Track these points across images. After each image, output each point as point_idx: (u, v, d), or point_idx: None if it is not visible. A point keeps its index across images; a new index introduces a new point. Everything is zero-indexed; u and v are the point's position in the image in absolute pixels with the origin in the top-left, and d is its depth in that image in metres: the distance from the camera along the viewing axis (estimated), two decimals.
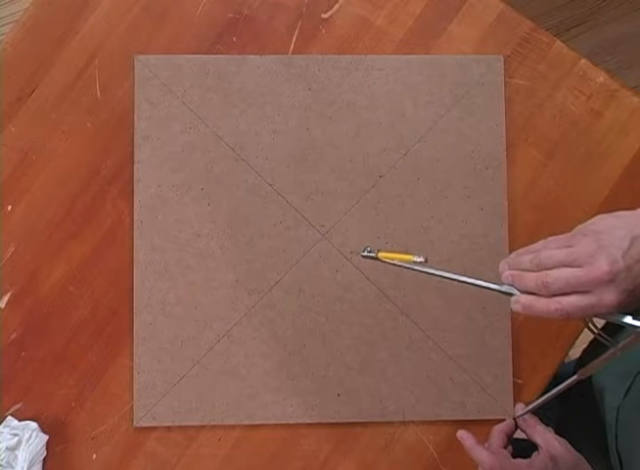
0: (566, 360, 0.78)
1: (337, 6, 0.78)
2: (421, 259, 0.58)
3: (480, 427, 0.74)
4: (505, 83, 0.77)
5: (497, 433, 0.70)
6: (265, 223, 0.75)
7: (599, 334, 0.55)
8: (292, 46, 0.78)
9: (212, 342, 0.74)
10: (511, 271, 0.57)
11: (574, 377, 0.62)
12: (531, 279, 0.55)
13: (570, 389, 0.74)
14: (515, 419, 0.72)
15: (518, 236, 0.76)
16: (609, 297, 0.52)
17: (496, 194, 0.76)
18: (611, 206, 0.77)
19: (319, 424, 0.74)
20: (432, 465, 0.74)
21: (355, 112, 0.77)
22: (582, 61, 0.78)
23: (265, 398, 0.74)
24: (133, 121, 0.76)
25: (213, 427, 0.74)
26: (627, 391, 0.67)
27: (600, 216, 0.56)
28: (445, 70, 0.77)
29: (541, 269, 0.55)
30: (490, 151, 0.77)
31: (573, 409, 0.80)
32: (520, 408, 0.71)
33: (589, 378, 0.74)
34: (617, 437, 0.68)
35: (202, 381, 0.74)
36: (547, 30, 0.79)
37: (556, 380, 0.75)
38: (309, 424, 0.74)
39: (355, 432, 0.74)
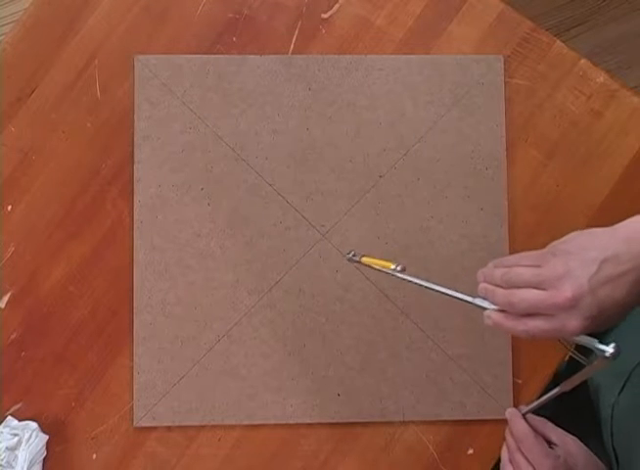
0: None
1: (337, 6, 0.78)
2: (399, 268, 0.59)
3: (480, 427, 0.74)
4: (505, 83, 0.77)
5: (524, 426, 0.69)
6: (265, 223, 0.75)
7: (572, 352, 0.55)
8: (292, 46, 0.78)
9: (212, 342, 0.74)
10: (485, 284, 0.57)
11: (557, 389, 0.62)
12: (500, 296, 0.55)
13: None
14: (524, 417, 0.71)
15: (518, 236, 0.76)
16: (572, 322, 0.52)
17: (496, 194, 0.76)
18: (611, 206, 0.77)
19: (319, 424, 0.74)
20: (432, 465, 0.74)
21: (355, 112, 0.77)
22: (582, 61, 0.78)
23: (265, 398, 0.74)
24: (133, 121, 0.76)
25: (213, 427, 0.74)
26: (622, 388, 0.67)
27: (573, 234, 0.56)
28: (445, 70, 0.77)
29: (510, 287, 0.55)
30: (490, 151, 0.77)
31: (569, 406, 0.80)
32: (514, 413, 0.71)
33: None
34: (612, 434, 0.68)
35: (202, 381, 0.74)
36: (547, 30, 0.79)
37: (556, 380, 0.76)
38: (309, 424, 0.74)
39: (355, 432, 0.74)
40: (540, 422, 0.68)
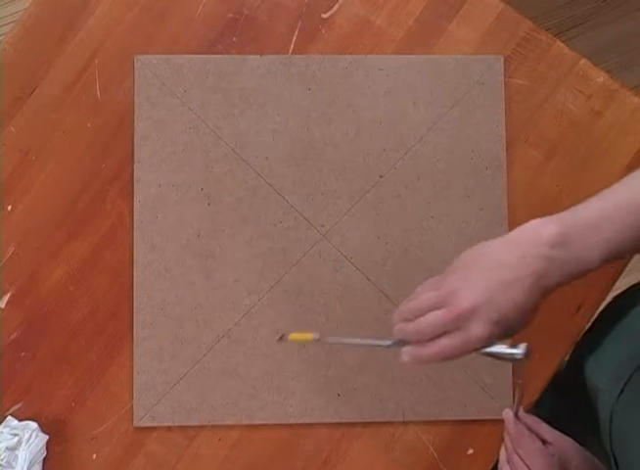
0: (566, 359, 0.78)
1: (337, 6, 0.78)
2: (317, 337, 0.64)
3: (480, 427, 0.74)
4: (505, 83, 0.77)
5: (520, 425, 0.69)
6: (265, 223, 0.75)
7: (484, 353, 0.56)
8: (292, 46, 0.78)
9: (212, 342, 0.74)
10: (399, 325, 0.58)
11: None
12: (410, 329, 0.56)
13: (563, 386, 0.75)
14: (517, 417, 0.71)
15: None
16: (476, 329, 0.52)
17: (496, 194, 0.76)
18: None
19: (319, 424, 0.74)
20: (432, 465, 0.74)
21: (355, 112, 0.77)
22: (582, 61, 0.78)
23: (265, 398, 0.74)
24: (133, 121, 0.76)
25: (213, 427, 0.74)
26: (621, 392, 0.66)
27: (468, 250, 0.57)
28: (445, 70, 0.77)
29: (418, 317, 0.56)
30: (490, 151, 0.77)
31: (567, 407, 0.80)
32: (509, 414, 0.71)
33: (582, 376, 0.74)
34: (611, 437, 0.68)
35: (202, 381, 0.74)
36: (547, 30, 0.79)
37: (556, 380, 0.76)
38: (309, 424, 0.74)
39: (355, 432, 0.74)
40: (534, 422, 0.68)
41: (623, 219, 0.51)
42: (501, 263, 0.53)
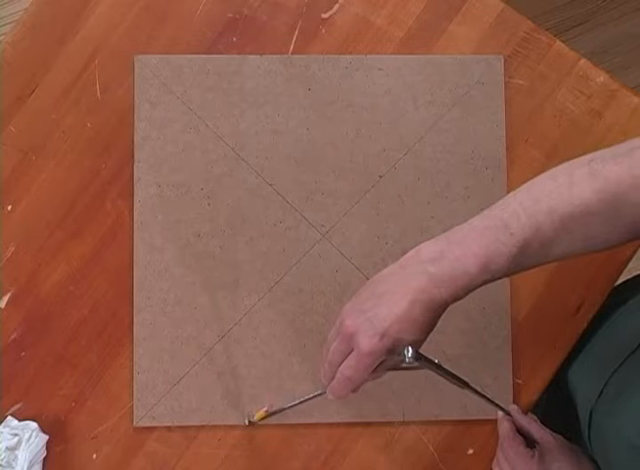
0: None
1: (337, 6, 0.78)
2: (266, 409, 0.70)
3: (480, 427, 0.74)
4: (505, 83, 0.77)
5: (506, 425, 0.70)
6: (265, 223, 0.75)
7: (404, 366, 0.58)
8: (292, 46, 0.78)
9: (212, 342, 0.74)
10: (321, 370, 0.61)
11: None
12: (326, 368, 0.59)
13: (550, 389, 0.75)
14: (512, 416, 0.72)
15: None
16: (362, 345, 0.55)
17: (496, 194, 0.76)
18: None
19: (319, 424, 0.74)
20: (432, 465, 0.74)
21: (355, 112, 0.77)
22: (582, 61, 0.78)
23: (265, 398, 0.74)
24: (133, 121, 0.76)
25: (213, 427, 0.74)
26: (600, 393, 0.66)
27: (367, 281, 0.60)
28: (445, 70, 0.77)
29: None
30: (490, 151, 0.77)
31: (553, 407, 0.80)
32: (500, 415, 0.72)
33: (565, 378, 0.74)
34: (590, 441, 0.68)
35: (202, 381, 0.74)
36: (547, 30, 0.79)
37: (556, 380, 0.75)
38: (309, 424, 0.74)
39: (355, 432, 0.74)
40: (527, 421, 0.68)
41: (497, 236, 0.53)
42: (388, 285, 0.56)
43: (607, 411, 0.65)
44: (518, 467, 0.66)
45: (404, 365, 0.55)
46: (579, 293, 0.76)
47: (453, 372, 0.60)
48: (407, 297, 0.54)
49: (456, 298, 0.55)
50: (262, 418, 0.70)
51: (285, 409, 0.70)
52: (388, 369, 0.58)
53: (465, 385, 0.61)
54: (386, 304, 0.55)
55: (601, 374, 0.67)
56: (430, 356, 0.56)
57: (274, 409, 0.70)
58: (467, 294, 0.55)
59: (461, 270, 0.54)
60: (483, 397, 0.64)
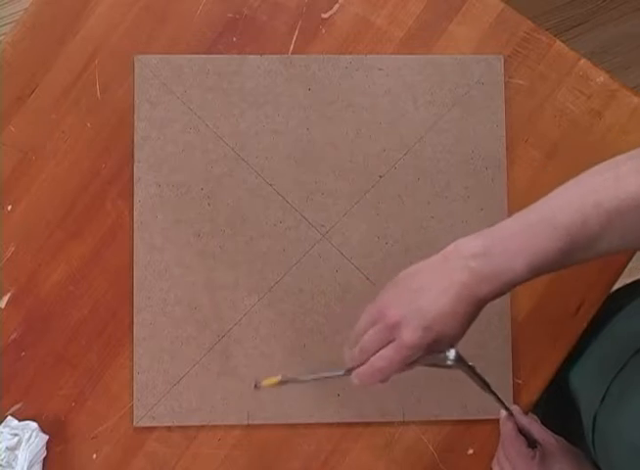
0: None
1: (337, 6, 0.78)
2: (279, 378, 0.66)
3: (480, 427, 0.74)
4: (505, 83, 0.77)
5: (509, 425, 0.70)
6: (265, 223, 0.75)
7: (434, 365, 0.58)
8: (292, 46, 0.78)
9: (212, 342, 0.74)
10: (347, 352, 0.60)
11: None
12: (356, 352, 0.58)
13: (551, 393, 0.75)
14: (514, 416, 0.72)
15: None
16: (406, 336, 0.54)
17: (496, 194, 0.76)
18: None
19: (319, 424, 0.74)
20: (432, 465, 0.74)
21: (355, 112, 0.77)
22: (582, 61, 0.78)
23: (265, 398, 0.74)
24: (133, 121, 0.76)
25: (213, 427, 0.74)
26: (604, 397, 0.66)
27: (400, 273, 0.59)
28: (445, 70, 0.77)
29: (359, 338, 0.58)
30: (490, 151, 0.77)
31: (553, 408, 0.80)
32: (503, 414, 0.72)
33: (567, 382, 0.74)
34: (594, 446, 0.68)
35: (202, 381, 0.74)
36: (547, 30, 0.79)
37: (556, 380, 0.75)
38: (309, 424, 0.74)
39: (355, 432, 0.74)
40: (528, 422, 0.68)
41: (543, 231, 0.52)
42: (429, 276, 0.56)
43: (610, 414, 0.65)
44: (518, 466, 0.66)
45: (442, 364, 0.55)
46: (579, 293, 0.76)
47: (483, 377, 0.60)
48: (451, 291, 0.53)
49: (498, 294, 0.54)
50: (271, 385, 0.68)
51: (299, 381, 0.68)
52: (421, 365, 0.57)
53: (488, 388, 0.62)
54: (429, 297, 0.54)
55: (604, 377, 0.67)
56: (466, 360, 0.57)
57: (288, 378, 0.67)
58: (509, 290, 0.54)
59: (505, 266, 0.53)
60: (499, 400, 0.64)
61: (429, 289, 0.55)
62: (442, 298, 0.54)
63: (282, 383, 0.66)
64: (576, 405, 0.72)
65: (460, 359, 0.56)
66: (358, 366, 0.58)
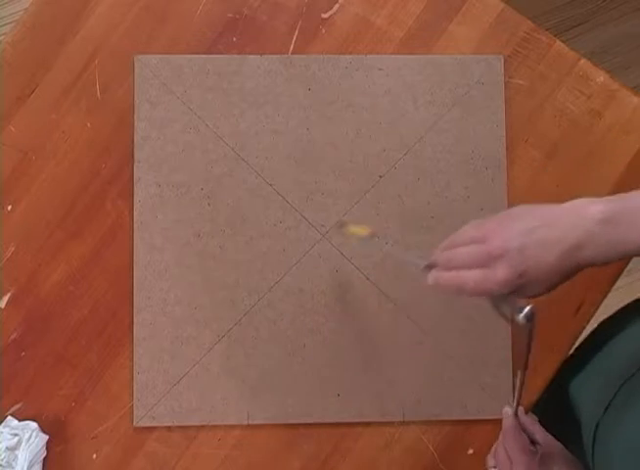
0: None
1: (337, 6, 0.78)
2: (367, 235, 0.65)
3: (480, 427, 0.74)
4: (505, 83, 0.77)
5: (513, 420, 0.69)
6: (265, 223, 0.75)
7: (497, 310, 0.57)
8: (292, 46, 0.78)
9: (212, 342, 0.74)
10: (436, 251, 0.60)
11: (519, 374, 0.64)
12: (444, 255, 0.58)
13: (549, 404, 0.74)
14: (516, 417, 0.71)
15: None
16: (500, 271, 0.54)
17: (496, 194, 0.76)
18: None
19: (319, 424, 0.74)
20: (432, 465, 0.74)
21: (355, 112, 0.77)
22: (582, 61, 0.78)
23: (265, 398, 0.74)
24: (133, 121, 0.76)
25: (213, 427, 0.74)
26: (608, 405, 0.65)
27: (520, 206, 0.58)
28: (445, 70, 0.77)
29: (453, 247, 0.58)
30: (490, 151, 0.77)
31: (551, 411, 0.79)
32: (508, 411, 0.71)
33: (566, 387, 0.74)
34: (594, 456, 0.67)
35: (202, 381, 0.74)
36: (547, 30, 0.79)
37: (556, 380, 0.75)
38: (309, 424, 0.74)
39: (355, 432, 0.74)
40: (530, 423, 0.68)
41: None
42: (544, 223, 0.55)
43: (614, 422, 0.64)
44: (518, 461, 0.65)
45: (507, 314, 0.55)
46: (579, 293, 0.76)
47: (531, 348, 0.58)
48: (560, 247, 0.53)
49: (604, 263, 0.53)
50: (356, 233, 0.65)
51: (380, 249, 0.66)
52: (490, 302, 0.57)
53: (524, 369, 0.61)
54: (537, 244, 0.53)
55: (608, 387, 0.66)
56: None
57: (373, 239, 0.65)
58: (613, 262, 0.54)
59: (628, 238, 0.52)
60: (519, 390, 0.63)
61: (543, 235, 0.54)
62: (550, 249, 0.53)
63: (365, 239, 0.65)
64: (575, 417, 0.71)
65: (531, 319, 0.54)
66: (440, 269, 0.58)
